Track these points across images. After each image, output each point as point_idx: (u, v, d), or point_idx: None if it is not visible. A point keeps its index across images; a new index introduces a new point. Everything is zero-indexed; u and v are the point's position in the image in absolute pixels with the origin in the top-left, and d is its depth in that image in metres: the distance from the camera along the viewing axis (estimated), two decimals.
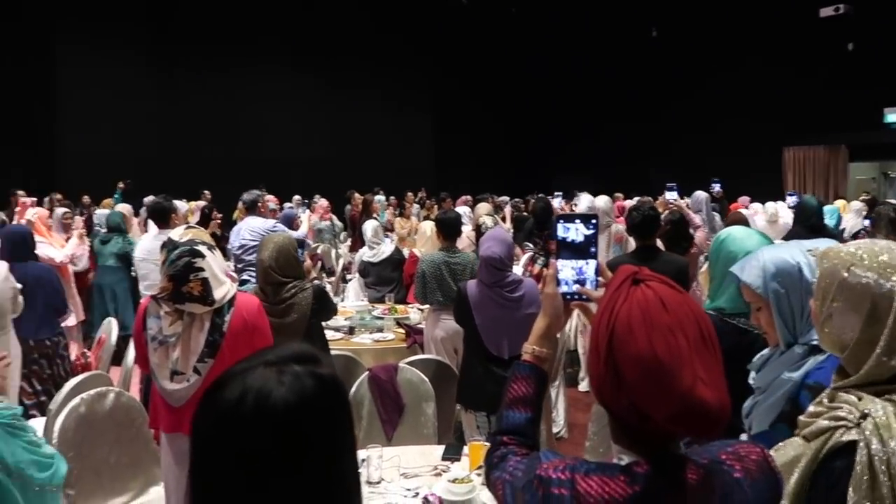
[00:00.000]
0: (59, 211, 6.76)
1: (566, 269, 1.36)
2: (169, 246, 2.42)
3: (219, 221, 7.13)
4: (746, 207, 8.07)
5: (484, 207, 5.74)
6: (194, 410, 0.95)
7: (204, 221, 6.47)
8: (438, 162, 18.65)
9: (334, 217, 9.69)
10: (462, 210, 6.26)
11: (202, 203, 9.05)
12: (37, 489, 1.58)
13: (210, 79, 16.49)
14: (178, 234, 2.49)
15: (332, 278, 7.68)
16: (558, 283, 1.35)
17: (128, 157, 14.47)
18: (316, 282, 3.54)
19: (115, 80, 15.37)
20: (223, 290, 2.44)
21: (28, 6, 14.26)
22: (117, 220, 6.43)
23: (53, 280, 4.26)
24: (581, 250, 1.35)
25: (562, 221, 1.37)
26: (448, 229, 4.48)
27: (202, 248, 2.41)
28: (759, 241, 2.19)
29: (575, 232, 1.36)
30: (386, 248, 5.86)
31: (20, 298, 3.71)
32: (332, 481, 0.93)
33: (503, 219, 7.01)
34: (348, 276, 7.62)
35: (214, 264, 2.42)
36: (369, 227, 5.95)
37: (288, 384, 0.92)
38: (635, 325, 1.03)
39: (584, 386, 5.75)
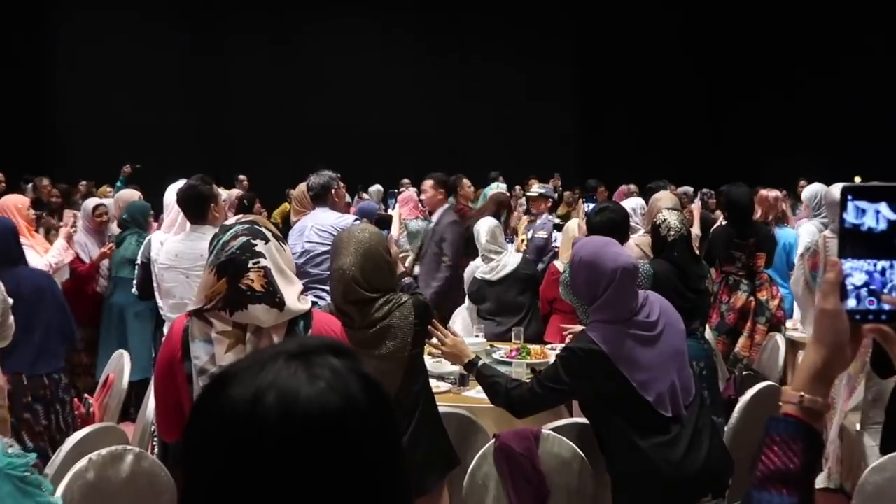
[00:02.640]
0: (90, 203, 6.99)
1: (858, 273, 1.29)
2: (220, 233, 2.53)
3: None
4: None
5: (667, 199, 5.62)
6: (187, 420, 1.00)
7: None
8: (582, 138, 18.58)
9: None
10: (628, 205, 6.16)
11: (237, 192, 9.34)
12: None
13: (260, 29, 17.30)
14: (233, 221, 2.60)
15: None
16: (844, 293, 1.28)
17: (145, 132, 15.33)
18: (407, 280, 3.61)
19: (131, 27, 16.31)
20: (293, 291, 2.49)
21: None
22: (139, 211, 6.66)
23: (57, 293, 4.49)
24: (882, 245, 1.28)
25: (852, 198, 1.29)
26: (607, 233, 4.31)
27: (265, 231, 2.52)
28: None
29: (874, 216, 1.28)
30: (509, 260, 5.84)
31: (11, 319, 3.92)
32: None
33: (689, 220, 6.79)
34: None
35: (280, 256, 2.52)
36: (484, 227, 5.95)
37: (327, 381, 0.95)
38: None
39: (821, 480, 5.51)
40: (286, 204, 10.78)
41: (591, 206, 5.43)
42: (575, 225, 5.95)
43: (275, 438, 0.92)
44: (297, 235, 5.58)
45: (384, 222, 7.58)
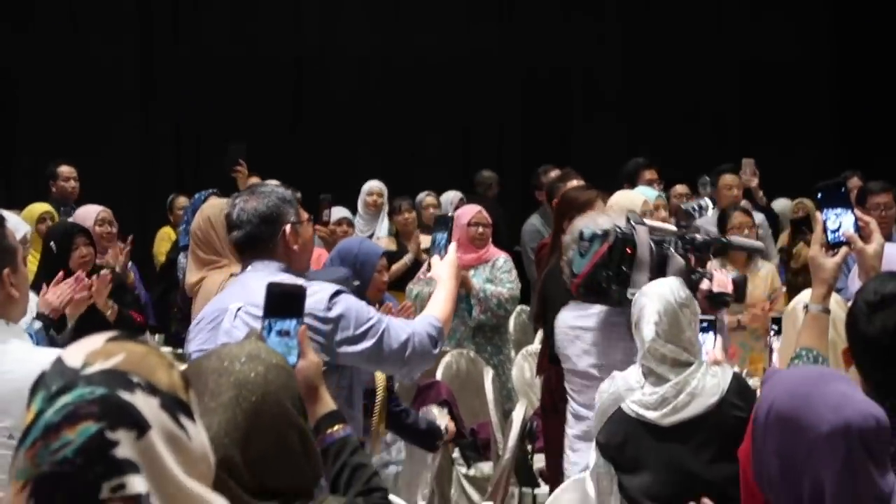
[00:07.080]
0: None
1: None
2: (46, 386, 1.89)
3: (122, 261, 6.75)
4: None
5: None
6: None
7: (51, 265, 5.94)
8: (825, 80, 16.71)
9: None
10: None
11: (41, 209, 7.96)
12: None
13: None
14: (78, 355, 1.87)
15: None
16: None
17: None
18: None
19: None
20: None
21: None
22: None
23: None
24: None
25: None
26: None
27: (140, 400, 1.85)
28: None
29: None
30: (706, 382, 4.30)
31: None
32: None
33: None
34: None
35: (177, 457, 1.91)
36: (656, 301, 4.40)
37: None
38: None
39: None
40: (167, 230, 9.30)
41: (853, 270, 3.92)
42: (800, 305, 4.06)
43: None
44: (209, 330, 4.19)
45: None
